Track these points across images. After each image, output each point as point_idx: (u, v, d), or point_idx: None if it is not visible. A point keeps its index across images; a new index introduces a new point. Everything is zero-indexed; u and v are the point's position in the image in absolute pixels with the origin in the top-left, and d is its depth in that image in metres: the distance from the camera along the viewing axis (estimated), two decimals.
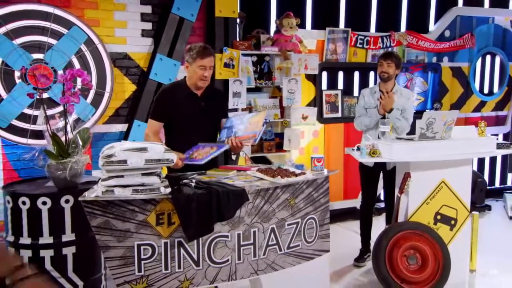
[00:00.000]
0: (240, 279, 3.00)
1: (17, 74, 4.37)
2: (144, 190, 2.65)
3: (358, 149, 4.00)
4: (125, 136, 4.90)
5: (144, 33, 4.95)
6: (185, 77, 3.69)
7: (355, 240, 4.97)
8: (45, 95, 4.44)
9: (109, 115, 4.87)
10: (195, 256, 2.86)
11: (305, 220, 3.23)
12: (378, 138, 4.29)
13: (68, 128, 3.33)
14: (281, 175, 3.07)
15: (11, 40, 4.31)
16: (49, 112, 4.45)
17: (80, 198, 2.64)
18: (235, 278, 2.97)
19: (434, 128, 3.94)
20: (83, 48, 4.61)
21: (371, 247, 4.64)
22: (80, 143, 3.26)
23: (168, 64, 4.91)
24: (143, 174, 2.67)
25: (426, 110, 6.35)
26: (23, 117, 4.42)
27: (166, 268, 2.81)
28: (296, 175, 3.12)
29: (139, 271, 2.77)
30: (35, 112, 4.44)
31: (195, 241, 2.83)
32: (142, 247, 2.76)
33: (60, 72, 4.48)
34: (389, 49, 6.06)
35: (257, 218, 3.02)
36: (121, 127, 4.92)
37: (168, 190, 2.72)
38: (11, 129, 4.39)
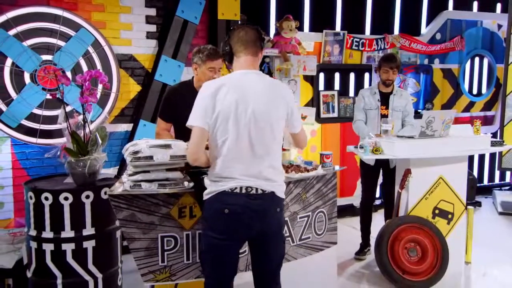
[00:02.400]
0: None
1: (26, 75, 4.47)
2: (169, 185, 2.80)
3: (361, 147, 4.18)
4: (130, 135, 5.02)
5: (149, 35, 5.08)
6: (192, 77, 3.76)
7: (354, 235, 5.16)
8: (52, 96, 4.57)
9: (115, 115, 4.98)
10: None
11: (315, 214, 3.41)
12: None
13: (86, 127, 3.45)
14: (295, 171, 3.23)
15: (21, 42, 4.41)
16: (57, 112, 4.59)
17: (108, 192, 2.78)
18: (250, 268, 3.12)
19: (433, 127, 4.15)
20: (91, 49, 4.73)
21: (371, 242, 4.86)
22: (100, 141, 3.38)
23: (172, 65, 5.05)
24: (167, 170, 2.82)
25: (419, 110, 6.58)
26: (32, 117, 4.52)
27: (188, 259, 2.96)
28: (308, 171, 3.29)
29: (163, 261, 2.91)
30: (44, 112, 4.55)
31: None
32: (165, 239, 2.91)
33: (68, 73, 4.60)
34: (384, 51, 6.27)
35: None
36: (127, 127, 5.04)
37: (191, 184, 2.87)
38: (21, 128, 4.49)
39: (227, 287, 2.68)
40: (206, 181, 2.64)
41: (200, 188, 2.81)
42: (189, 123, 2.58)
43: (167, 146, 2.80)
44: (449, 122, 4.22)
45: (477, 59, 7.40)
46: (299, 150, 5.63)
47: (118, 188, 2.85)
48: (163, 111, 3.74)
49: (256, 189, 2.54)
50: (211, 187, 2.58)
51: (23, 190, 4.49)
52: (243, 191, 2.53)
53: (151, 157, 2.74)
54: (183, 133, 3.66)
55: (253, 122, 2.54)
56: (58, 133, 4.58)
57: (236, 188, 2.52)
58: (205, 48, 3.56)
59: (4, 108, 4.40)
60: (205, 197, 2.62)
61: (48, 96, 4.55)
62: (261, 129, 2.56)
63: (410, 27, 6.79)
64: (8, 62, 4.39)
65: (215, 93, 2.52)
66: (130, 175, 2.79)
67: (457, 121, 6.97)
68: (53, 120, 4.58)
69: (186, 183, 2.85)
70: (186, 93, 3.62)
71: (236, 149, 2.54)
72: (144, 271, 2.89)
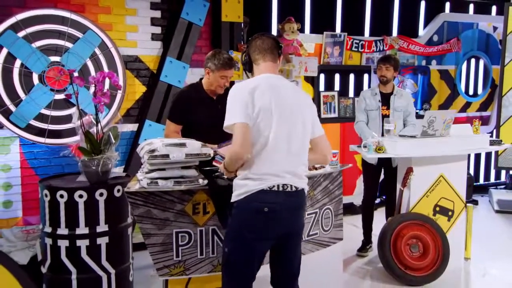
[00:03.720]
0: (267, 264, 3.24)
1: (35, 76, 4.55)
2: (185, 182, 2.90)
3: (365, 146, 4.30)
4: (136, 135, 5.11)
5: (154, 37, 5.17)
6: (201, 79, 3.82)
7: (355, 233, 5.27)
8: (61, 96, 4.65)
9: (121, 115, 5.06)
10: None
11: (322, 211, 3.52)
12: (382, 135, 4.60)
13: (99, 127, 3.53)
14: None
15: (30, 44, 4.49)
16: (65, 112, 4.69)
17: (125, 189, 2.87)
18: (263, 263, 3.22)
19: (434, 126, 4.27)
20: (97, 51, 4.81)
21: (372, 239, 4.98)
22: (113, 140, 3.47)
23: (177, 67, 5.14)
24: (182, 167, 2.92)
25: (417, 111, 6.70)
26: (40, 117, 4.60)
27: (201, 254, 3.06)
28: (316, 169, 3.40)
29: (177, 256, 3.01)
30: (53, 113, 4.63)
31: None
32: (180, 235, 3.01)
33: (75, 74, 4.68)
34: (383, 53, 6.39)
35: None
36: (132, 127, 5.13)
37: (206, 181, 2.97)
38: (29, 128, 4.56)
39: None
40: (238, 182, 2.60)
41: (213, 186, 2.91)
42: (230, 122, 2.55)
43: (182, 145, 2.90)
44: (450, 122, 4.35)
45: (473, 61, 7.56)
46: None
47: (134, 186, 2.94)
48: (173, 114, 3.76)
49: (291, 186, 2.59)
50: (247, 186, 2.55)
51: (31, 189, 4.63)
52: (280, 188, 2.56)
53: (167, 156, 2.83)
54: (191, 135, 3.75)
55: (290, 120, 2.61)
56: (66, 133, 4.70)
57: (274, 186, 2.55)
58: (221, 56, 3.61)
59: (13, 108, 4.47)
60: (238, 197, 2.58)
61: (56, 97, 4.63)
62: (296, 127, 2.63)
63: (408, 29, 6.93)
64: (17, 63, 4.47)
65: (252, 92, 2.57)
66: (146, 172, 2.88)
67: (454, 121, 7.07)
68: (61, 120, 4.67)
69: (200, 181, 2.96)
70: (196, 96, 3.72)
71: (274, 147, 2.56)
72: (159, 265, 2.99)
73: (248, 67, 2.82)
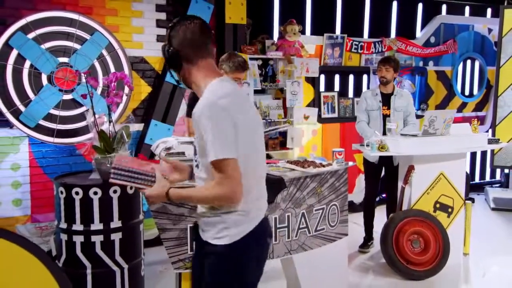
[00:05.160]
0: (276, 258, 3.38)
1: (44, 76, 4.64)
2: None
3: (368, 145, 4.42)
4: (141, 134, 5.21)
5: (159, 38, 5.26)
6: None
7: (355, 230, 5.39)
8: (69, 96, 4.75)
9: (127, 115, 5.15)
10: None
11: (329, 206, 3.64)
12: (383, 134, 4.73)
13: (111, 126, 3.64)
14: (312, 166, 3.46)
15: (39, 45, 4.58)
16: (73, 112, 4.78)
17: None
18: (272, 257, 3.34)
19: (435, 125, 4.41)
20: (105, 52, 4.91)
21: (373, 235, 5.11)
22: (126, 139, 3.57)
23: None
24: None
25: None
26: (49, 117, 4.69)
27: None
28: (324, 166, 3.52)
29: (191, 250, 3.12)
30: (61, 113, 4.73)
31: None
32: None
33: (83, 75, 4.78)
34: (382, 54, 6.53)
35: (290, 204, 3.40)
36: (138, 127, 5.22)
37: None
38: (39, 128, 4.66)
39: None
40: (233, 218, 2.11)
41: None
42: (216, 157, 1.99)
43: None
44: (450, 121, 4.49)
45: (469, 62, 7.72)
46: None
47: None
48: (191, 111, 3.92)
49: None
50: (249, 222, 2.14)
51: (40, 188, 4.73)
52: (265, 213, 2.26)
53: (183, 153, 2.95)
54: None
55: (261, 139, 2.27)
56: (74, 133, 4.80)
57: (263, 211, 2.24)
58: (236, 59, 3.84)
59: (22, 108, 4.56)
60: (238, 236, 2.11)
61: (65, 97, 4.73)
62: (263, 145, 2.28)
63: (406, 30, 7.08)
64: (27, 64, 4.56)
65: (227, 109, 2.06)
66: None
67: None
68: (69, 120, 4.77)
69: None
70: None
71: (260, 171, 2.23)
72: (174, 259, 3.09)
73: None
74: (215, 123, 2.00)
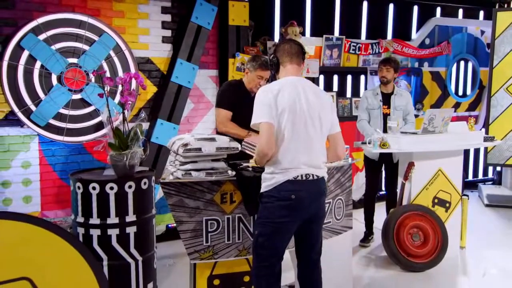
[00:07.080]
0: (286, 249, 3.51)
1: (54, 76, 4.77)
2: (215, 173, 3.17)
3: (369, 142, 4.60)
4: (148, 133, 5.34)
5: (164, 40, 5.40)
6: (241, 78, 4.33)
7: (355, 226, 5.53)
8: (78, 96, 4.88)
9: (133, 114, 5.29)
10: (252, 229, 3.37)
11: (335, 201, 3.80)
12: (384, 132, 4.90)
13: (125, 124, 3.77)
14: None
15: (50, 46, 4.71)
16: (82, 111, 4.91)
17: (160, 180, 3.13)
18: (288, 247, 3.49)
19: (434, 123, 4.59)
20: (112, 53, 5.04)
21: (374, 230, 5.29)
22: (140, 136, 3.71)
23: (187, 68, 5.38)
24: (212, 160, 3.19)
25: None
26: (59, 117, 4.81)
27: (228, 239, 3.33)
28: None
29: (206, 242, 3.27)
30: (71, 112, 4.85)
31: (252, 216, 3.34)
32: (209, 222, 3.27)
33: (91, 75, 4.91)
34: (379, 55, 6.72)
35: None
36: (144, 126, 5.32)
37: (234, 173, 3.24)
38: (49, 127, 4.77)
39: (277, 268, 3.03)
40: (266, 175, 2.93)
41: (241, 178, 3.18)
42: (256, 121, 2.88)
43: (212, 139, 3.18)
44: (448, 120, 4.67)
45: (462, 63, 7.95)
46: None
47: (168, 177, 3.20)
48: (223, 101, 4.15)
49: (312, 175, 2.95)
50: (275, 179, 2.89)
51: (49, 185, 4.85)
52: (304, 177, 2.91)
53: (199, 149, 3.10)
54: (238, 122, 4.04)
55: (309, 118, 2.94)
56: (83, 132, 4.93)
57: (298, 176, 2.89)
58: (259, 59, 4.10)
59: (33, 108, 4.68)
60: (267, 188, 2.91)
61: (74, 97, 4.85)
62: (315, 125, 2.97)
63: (402, 32, 7.28)
64: (37, 64, 4.67)
65: (276, 95, 2.89)
66: (180, 164, 3.14)
67: None
68: (78, 119, 4.89)
69: (229, 172, 3.23)
70: (240, 88, 4.18)
71: (297, 142, 2.90)
72: (190, 250, 3.24)
73: (276, 68, 3.11)
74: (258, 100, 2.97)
